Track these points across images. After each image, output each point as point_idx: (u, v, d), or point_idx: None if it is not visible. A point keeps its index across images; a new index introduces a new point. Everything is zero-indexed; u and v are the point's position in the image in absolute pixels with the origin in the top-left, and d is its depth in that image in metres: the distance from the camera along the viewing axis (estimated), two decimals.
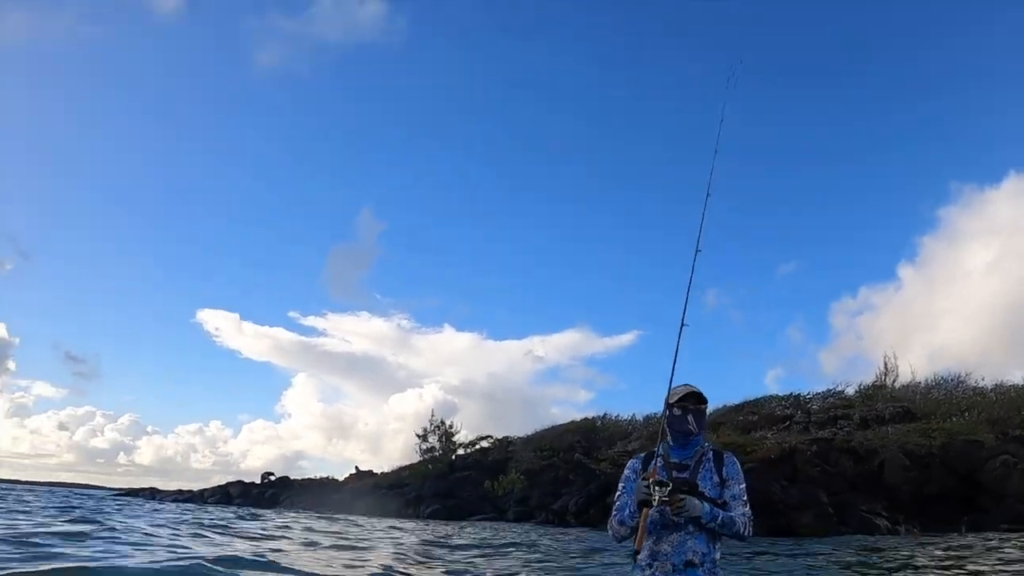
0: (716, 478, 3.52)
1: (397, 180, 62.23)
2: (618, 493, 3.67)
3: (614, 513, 3.61)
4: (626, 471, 3.72)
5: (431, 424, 24.48)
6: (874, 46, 48.59)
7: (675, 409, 3.57)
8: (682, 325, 3.75)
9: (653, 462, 3.63)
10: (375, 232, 58.31)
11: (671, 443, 3.62)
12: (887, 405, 18.31)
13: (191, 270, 68.69)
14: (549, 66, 57.15)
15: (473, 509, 18.94)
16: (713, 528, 3.40)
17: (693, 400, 3.58)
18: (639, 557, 3.50)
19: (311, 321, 64.22)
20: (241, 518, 11.31)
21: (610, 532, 3.71)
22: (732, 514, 3.44)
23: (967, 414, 17.41)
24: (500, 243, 59.60)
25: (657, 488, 3.33)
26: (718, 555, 3.51)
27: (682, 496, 3.32)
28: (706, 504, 3.38)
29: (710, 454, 3.61)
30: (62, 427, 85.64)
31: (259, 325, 59.50)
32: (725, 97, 4.80)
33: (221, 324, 66.73)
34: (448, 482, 21.84)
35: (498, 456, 23.79)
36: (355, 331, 59.35)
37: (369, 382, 58.02)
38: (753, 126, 50.56)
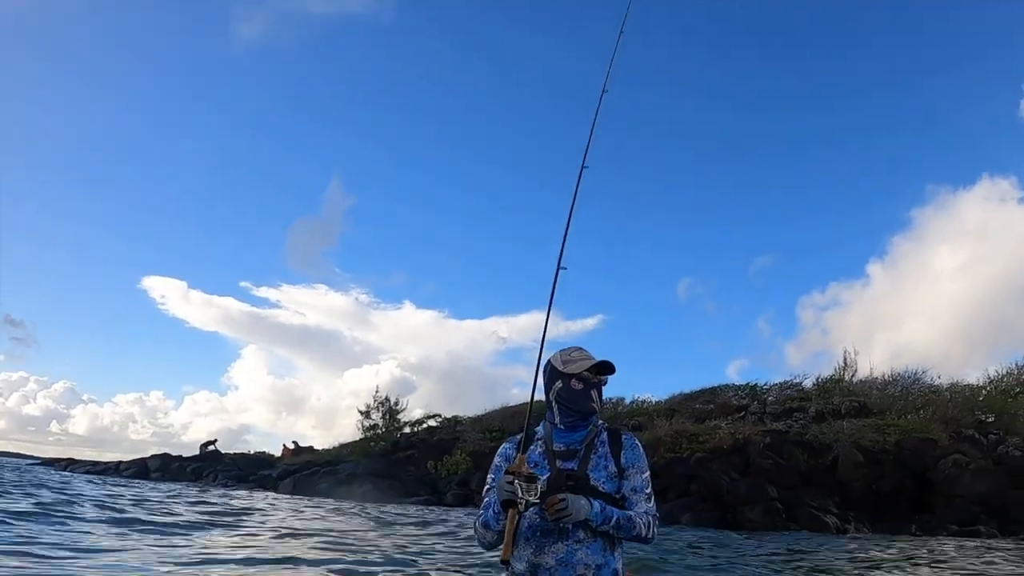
0: (612, 467, 2.74)
1: (370, 156, 60.08)
2: (486, 487, 2.83)
3: (479, 513, 2.80)
4: (496, 459, 2.87)
5: (375, 400, 23.28)
6: (850, 42, 48.58)
7: (574, 381, 2.77)
8: (558, 268, 2.99)
9: (531, 447, 2.81)
10: (343, 206, 56.14)
11: (559, 424, 2.80)
12: (843, 399, 17.90)
13: (138, 236, 65.26)
14: (533, 45, 55.54)
15: (410, 491, 17.91)
16: (608, 532, 2.62)
17: (599, 370, 2.79)
18: (516, 568, 2.68)
19: (263, 292, 61.71)
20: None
21: (476, 537, 2.87)
22: (631, 512, 2.66)
23: (921, 412, 17.09)
24: (468, 224, 58.16)
25: (524, 485, 2.49)
26: (619, 564, 2.71)
27: (561, 497, 2.49)
28: (595, 503, 2.59)
29: (604, 436, 2.80)
30: None
31: (208, 294, 56.79)
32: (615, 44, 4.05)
33: (167, 292, 63.69)
34: (388, 462, 20.74)
35: (445, 436, 22.78)
36: (310, 304, 57.30)
37: (323, 356, 56.24)
38: (736, 114, 50.21)
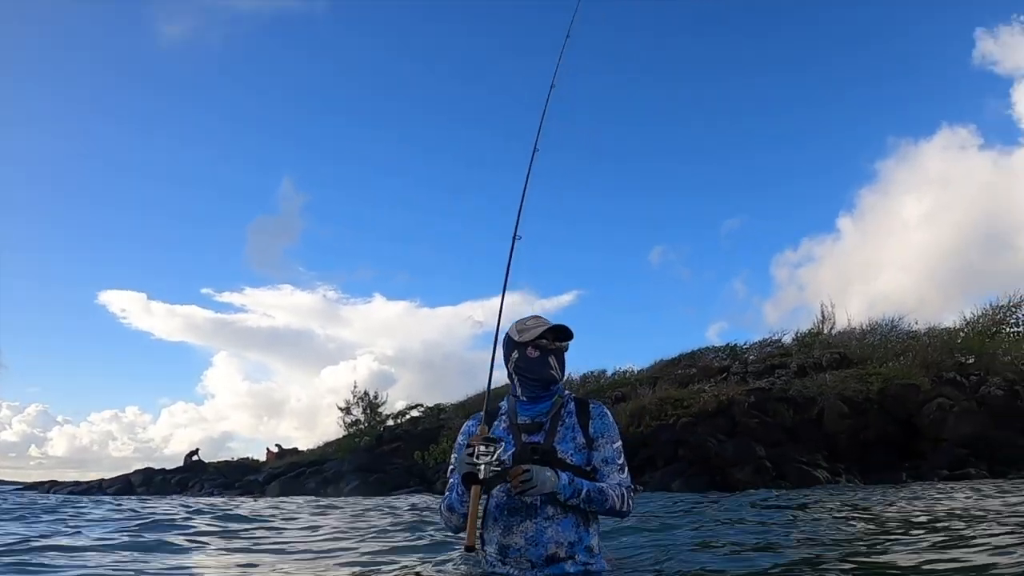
0: (581, 438, 2.64)
1: (318, 152, 58.30)
2: (450, 467, 2.70)
3: (445, 495, 2.68)
4: (459, 438, 2.80)
5: (354, 396, 22.88)
6: (808, 3, 48.31)
7: (529, 349, 2.67)
8: (514, 238, 3.10)
9: (495, 423, 2.72)
10: (298, 204, 54.63)
11: (521, 396, 2.72)
12: (824, 352, 17.85)
13: (88, 252, 63.04)
14: (472, 39, 54.31)
15: (399, 483, 17.61)
16: (578, 506, 2.51)
17: (551, 334, 2.68)
18: (487, 551, 2.59)
19: (227, 297, 60.22)
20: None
21: (442, 522, 2.75)
22: (602, 484, 2.55)
23: (902, 358, 17.09)
24: (431, 212, 57.17)
25: (483, 448, 2.35)
26: (595, 540, 2.61)
27: (525, 468, 2.34)
28: (563, 475, 2.46)
29: (571, 406, 2.73)
30: None
31: (169, 304, 55.19)
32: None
33: (127, 305, 61.64)
34: (374, 456, 20.42)
35: (429, 425, 22.51)
36: (277, 305, 55.94)
37: (297, 357, 55.19)
38: (693, 79, 49.86)
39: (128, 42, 54.30)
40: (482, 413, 2.70)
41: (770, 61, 48.39)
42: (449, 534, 3.61)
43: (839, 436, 14.57)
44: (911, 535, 4.08)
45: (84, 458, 64.97)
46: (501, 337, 2.76)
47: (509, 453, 2.46)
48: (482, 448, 2.31)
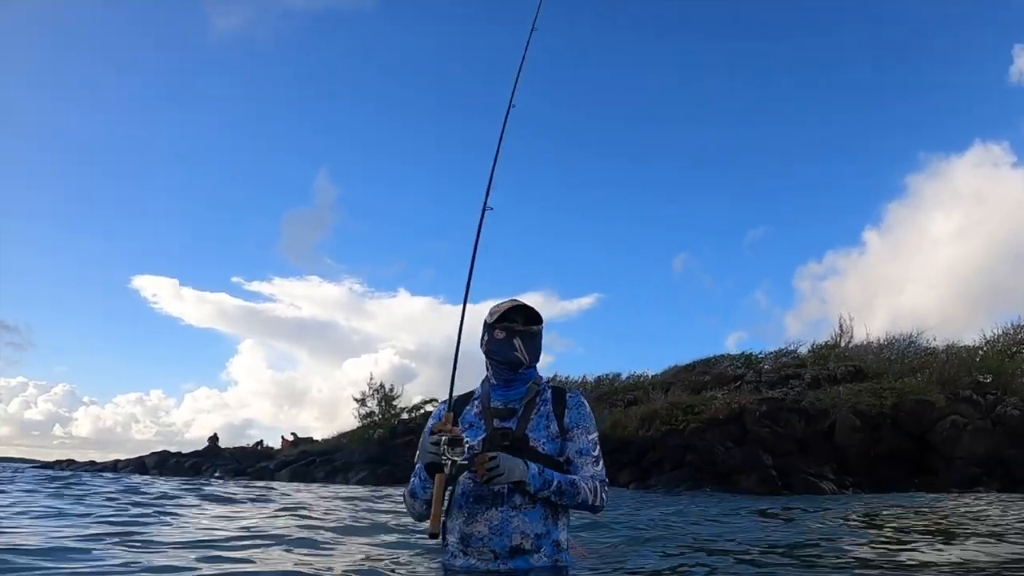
0: (554, 427, 2.57)
1: (355, 145, 59.14)
2: (417, 452, 2.59)
3: (410, 480, 2.61)
4: (430, 420, 2.71)
5: (370, 388, 23.18)
6: (840, 15, 47.76)
7: (496, 331, 2.60)
8: (484, 208, 3.00)
9: (467, 407, 2.66)
10: (331, 197, 55.44)
11: (493, 380, 2.66)
12: (839, 365, 17.71)
13: (124, 236, 64.63)
14: (517, 40, 54.50)
15: (406, 476, 17.79)
16: (548, 498, 2.43)
17: (521, 317, 2.62)
18: (449, 540, 2.52)
19: (256, 286, 61.35)
20: None
21: (405, 508, 2.72)
22: (574, 477, 2.48)
23: (918, 374, 16.89)
24: (460, 209, 57.57)
25: (449, 448, 2.28)
26: (563, 535, 2.52)
27: (492, 455, 2.30)
28: (533, 465, 2.38)
29: (548, 394, 2.65)
30: None
31: (200, 291, 56.31)
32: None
33: (159, 290, 62.97)
34: (385, 448, 20.66)
35: None
36: (304, 296, 56.83)
37: (321, 348, 56.01)
38: (727, 88, 49.60)
39: (181, 30, 55.80)
40: (456, 397, 2.63)
41: (805, 70, 47.98)
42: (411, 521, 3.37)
43: (850, 449, 14.46)
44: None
45: (107, 439, 66.55)
46: (466, 319, 2.69)
47: (479, 439, 2.42)
48: (447, 448, 2.26)
